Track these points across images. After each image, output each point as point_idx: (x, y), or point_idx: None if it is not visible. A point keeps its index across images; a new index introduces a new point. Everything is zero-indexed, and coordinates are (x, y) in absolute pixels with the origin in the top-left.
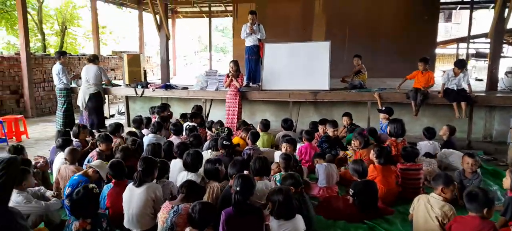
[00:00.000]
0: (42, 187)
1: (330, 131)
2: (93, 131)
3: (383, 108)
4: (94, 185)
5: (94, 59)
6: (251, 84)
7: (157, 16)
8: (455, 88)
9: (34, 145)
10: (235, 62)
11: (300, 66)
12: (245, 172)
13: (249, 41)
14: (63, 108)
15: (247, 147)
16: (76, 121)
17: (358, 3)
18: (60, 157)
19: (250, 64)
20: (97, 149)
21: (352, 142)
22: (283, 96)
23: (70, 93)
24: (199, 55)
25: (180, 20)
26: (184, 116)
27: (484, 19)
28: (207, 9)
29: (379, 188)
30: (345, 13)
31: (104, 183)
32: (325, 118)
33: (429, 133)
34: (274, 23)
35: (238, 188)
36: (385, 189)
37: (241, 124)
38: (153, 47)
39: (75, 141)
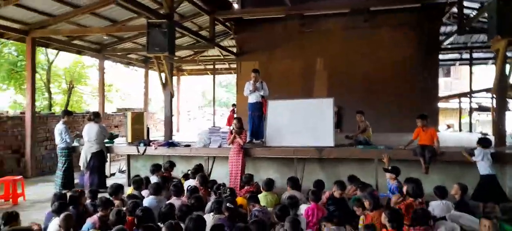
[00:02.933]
0: None
1: (336, 193)
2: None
3: (390, 167)
4: None
5: (95, 117)
6: (254, 140)
7: (163, 75)
8: None
9: (30, 207)
10: (238, 119)
11: (304, 122)
12: None
13: (252, 98)
14: (63, 168)
15: (255, 208)
16: (76, 181)
17: (358, 62)
18: (55, 223)
19: (254, 120)
20: (98, 215)
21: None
22: (287, 153)
23: (71, 152)
24: (202, 109)
25: (185, 77)
26: (186, 176)
27: (483, 73)
28: (211, 66)
29: None
30: (346, 70)
31: None
32: (341, 180)
33: (441, 192)
34: (276, 80)
35: None
36: None
37: (246, 178)
38: (157, 103)
39: (70, 207)
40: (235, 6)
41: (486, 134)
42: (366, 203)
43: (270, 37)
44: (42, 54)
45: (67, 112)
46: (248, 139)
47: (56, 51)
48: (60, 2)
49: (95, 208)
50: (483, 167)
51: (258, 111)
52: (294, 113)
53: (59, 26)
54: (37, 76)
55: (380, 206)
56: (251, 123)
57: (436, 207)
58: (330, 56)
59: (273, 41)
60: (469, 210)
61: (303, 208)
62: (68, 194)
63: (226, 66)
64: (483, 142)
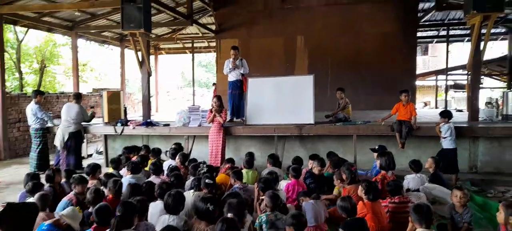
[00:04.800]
0: None
1: (315, 169)
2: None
3: (376, 147)
4: None
5: (77, 97)
6: (234, 119)
7: (139, 53)
8: None
9: (4, 189)
10: (218, 97)
11: (284, 100)
12: (229, 215)
13: (232, 76)
14: (38, 149)
15: (236, 185)
16: (51, 162)
17: (339, 38)
18: None
19: (234, 99)
20: (74, 192)
21: (337, 176)
22: (268, 130)
23: (46, 133)
24: (182, 90)
25: (162, 56)
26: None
27: (460, 51)
28: (190, 45)
29: (370, 226)
30: (327, 47)
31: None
32: (315, 153)
33: (416, 166)
34: (257, 57)
35: None
36: (376, 227)
37: (226, 161)
38: (135, 84)
39: (47, 185)
40: None
41: (461, 111)
42: (343, 176)
43: (250, 14)
44: (10, 33)
45: (38, 92)
46: (228, 118)
47: (25, 29)
48: None
49: (71, 187)
50: (447, 142)
51: (238, 90)
52: (274, 91)
53: (28, 2)
54: (6, 55)
55: (357, 181)
56: (231, 101)
57: (411, 180)
58: (311, 33)
59: (253, 18)
60: (442, 183)
61: (283, 184)
62: (45, 173)
63: (205, 44)
64: (445, 113)
